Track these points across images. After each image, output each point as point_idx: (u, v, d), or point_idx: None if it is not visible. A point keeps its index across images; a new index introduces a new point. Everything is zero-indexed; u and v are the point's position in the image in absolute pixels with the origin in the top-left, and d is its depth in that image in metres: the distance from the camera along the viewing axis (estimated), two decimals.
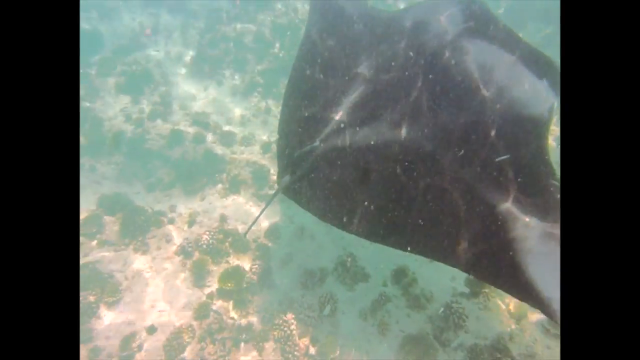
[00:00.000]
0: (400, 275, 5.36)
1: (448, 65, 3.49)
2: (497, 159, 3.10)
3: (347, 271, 5.55)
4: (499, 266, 2.86)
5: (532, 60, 3.50)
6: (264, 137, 8.89)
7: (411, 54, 3.65)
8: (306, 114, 3.92)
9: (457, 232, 3.07)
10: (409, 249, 3.30)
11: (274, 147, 8.44)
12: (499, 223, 2.93)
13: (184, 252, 6.26)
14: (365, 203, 3.39)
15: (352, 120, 3.57)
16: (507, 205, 2.97)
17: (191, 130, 8.78)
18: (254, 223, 4.31)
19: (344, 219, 3.52)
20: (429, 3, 4.20)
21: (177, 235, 6.63)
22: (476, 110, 3.30)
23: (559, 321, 2.55)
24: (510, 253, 2.81)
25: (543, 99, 3.30)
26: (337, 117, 3.62)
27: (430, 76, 3.49)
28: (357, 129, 3.52)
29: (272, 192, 7.29)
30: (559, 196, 2.91)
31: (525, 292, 2.71)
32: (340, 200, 3.51)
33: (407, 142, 3.33)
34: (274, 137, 8.74)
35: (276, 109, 9.67)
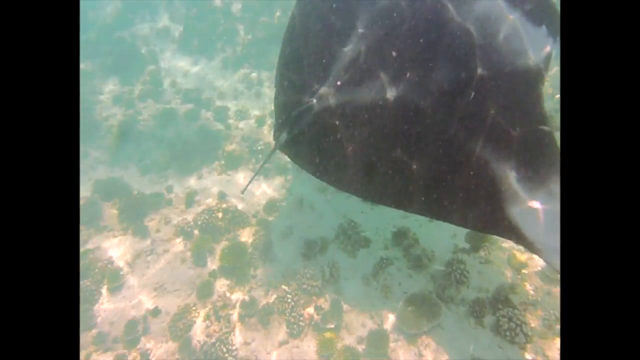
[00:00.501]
0: (400, 237, 5.25)
1: (444, 19, 3.40)
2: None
3: (348, 238, 5.43)
4: (496, 219, 2.95)
5: (531, 6, 3.41)
6: (258, 110, 8.64)
7: (406, 7, 3.55)
8: (303, 71, 3.88)
9: (453, 188, 3.10)
10: (402, 207, 3.34)
11: (269, 119, 8.22)
12: (494, 176, 2.99)
13: (183, 232, 6.18)
14: (360, 161, 3.40)
15: (349, 77, 3.52)
16: (501, 157, 3.01)
17: (183, 108, 8.56)
18: (251, 181, 4.41)
19: (340, 177, 3.53)
20: None
21: (176, 216, 6.54)
22: (472, 65, 3.24)
23: (557, 267, 2.70)
24: (506, 205, 2.92)
25: (539, 47, 3.27)
26: (333, 75, 3.58)
27: (425, 31, 3.41)
28: (354, 86, 3.47)
29: (269, 165, 7.12)
30: (553, 145, 3.00)
31: (523, 239, 2.86)
32: (336, 158, 3.51)
33: (402, 99, 3.29)
34: (268, 109, 8.50)
35: (269, 80, 9.36)
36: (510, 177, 2.97)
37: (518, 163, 2.97)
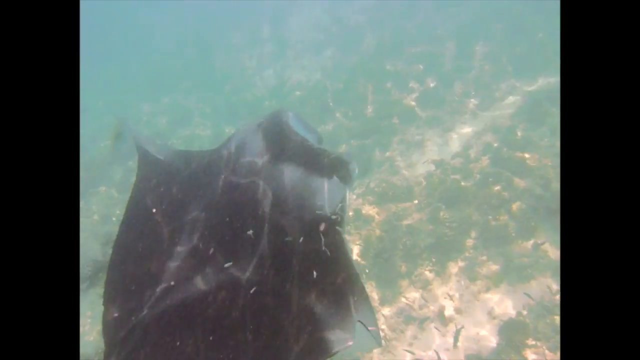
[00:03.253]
0: None
1: (255, 198, 3.73)
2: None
3: None
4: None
5: (323, 162, 3.87)
6: None
7: (221, 194, 3.89)
8: (133, 280, 3.77)
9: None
10: None
11: None
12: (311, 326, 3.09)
13: None
14: (207, 353, 3.24)
15: (180, 277, 3.52)
16: (312, 303, 3.15)
17: None
18: None
19: None
20: (237, 136, 4.40)
21: None
22: (285, 231, 3.52)
23: None
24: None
25: (335, 196, 3.67)
26: (164, 278, 3.54)
27: (238, 214, 3.69)
28: (185, 284, 3.47)
29: None
30: (355, 286, 3.16)
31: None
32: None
33: (228, 288, 3.37)
34: None
35: None
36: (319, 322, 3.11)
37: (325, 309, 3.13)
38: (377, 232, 7.62)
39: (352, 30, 19.22)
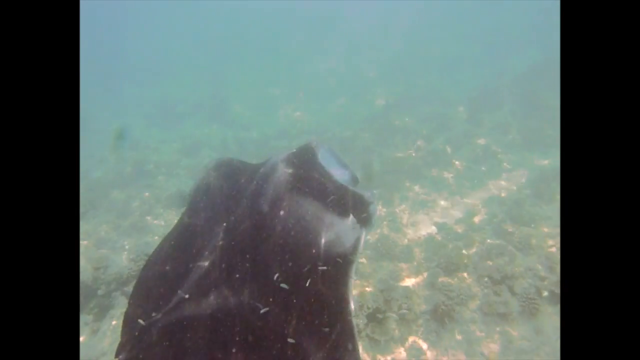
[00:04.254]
0: None
1: (272, 227, 3.75)
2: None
3: None
4: None
5: (342, 200, 3.88)
6: None
7: (243, 219, 3.92)
8: (157, 285, 3.92)
9: None
10: None
11: None
12: None
13: None
14: None
15: (196, 291, 3.59)
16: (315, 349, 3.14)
17: None
18: None
19: None
20: (269, 162, 4.44)
21: None
22: (300, 263, 3.53)
23: None
24: None
25: (348, 236, 3.63)
26: (182, 289, 3.64)
27: (253, 242, 3.74)
28: (198, 299, 3.54)
29: None
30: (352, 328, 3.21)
31: None
32: None
33: (241, 306, 3.41)
34: None
35: None
36: None
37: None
38: (372, 289, 7.37)
39: (365, 82, 19.84)
